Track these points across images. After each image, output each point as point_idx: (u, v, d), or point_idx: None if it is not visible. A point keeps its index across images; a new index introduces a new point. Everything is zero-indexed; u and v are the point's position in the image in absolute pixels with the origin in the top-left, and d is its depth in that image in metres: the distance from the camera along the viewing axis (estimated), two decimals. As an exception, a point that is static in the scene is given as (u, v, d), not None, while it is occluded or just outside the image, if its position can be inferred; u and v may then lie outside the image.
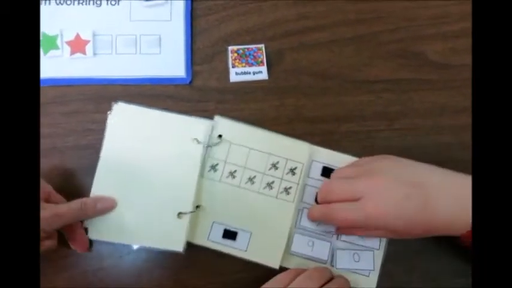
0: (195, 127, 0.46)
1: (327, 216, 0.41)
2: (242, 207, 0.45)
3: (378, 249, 0.44)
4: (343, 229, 0.43)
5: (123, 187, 0.44)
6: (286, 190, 0.45)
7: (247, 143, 0.46)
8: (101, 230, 0.43)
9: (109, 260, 0.44)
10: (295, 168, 0.46)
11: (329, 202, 0.41)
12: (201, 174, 0.45)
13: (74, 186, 0.45)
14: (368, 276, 0.44)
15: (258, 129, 0.47)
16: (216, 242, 0.44)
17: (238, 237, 0.44)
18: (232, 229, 0.44)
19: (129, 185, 0.44)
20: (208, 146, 0.45)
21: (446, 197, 0.38)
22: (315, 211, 0.43)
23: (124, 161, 0.45)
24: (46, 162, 0.45)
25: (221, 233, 0.44)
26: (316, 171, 0.46)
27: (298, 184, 0.45)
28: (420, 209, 0.38)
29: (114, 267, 0.44)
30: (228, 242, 0.44)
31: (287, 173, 0.45)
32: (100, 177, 0.45)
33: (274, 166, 0.46)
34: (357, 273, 0.44)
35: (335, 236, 0.44)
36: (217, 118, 0.47)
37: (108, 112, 0.46)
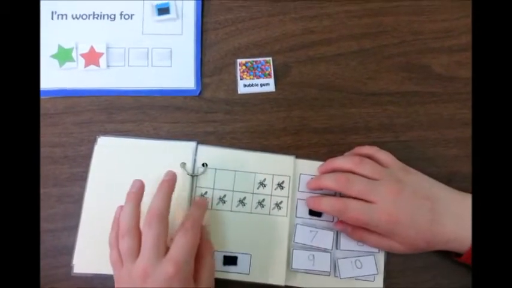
0: (180, 151, 0.47)
1: (339, 211, 0.41)
2: (237, 230, 0.45)
3: (377, 252, 0.44)
4: (356, 232, 0.43)
5: (112, 219, 0.43)
6: (278, 205, 0.45)
7: (231, 167, 0.46)
8: (91, 263, 0.43)
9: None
10: (283, 182, 0.46)
11: (344, 193, 0.42)
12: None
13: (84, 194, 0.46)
14: (373, 281, 0.44)
15: (240, 151, 0.47)
16: (217, 271, 0.43)
17: (239, 261, 0.44)
18: (231, 254, 0.44)
19: None
20: (195, 175, 0.46)
21: (450, 214, 0.40)
22: (324, 202, 0.42)
23: (111, 194, 0.44)
24: (58, 170, 0.47)
25: (221, 260, 0.44)
26: (306, 184, 0.46)
27: (288, 197, 0.46)
28: (428, 221, 0.39)
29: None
30: (230, 268, 0.44)
31: (275, 188, 0.46)
32: (87, 213, 0.45)
33: (262, 184, 0.46)
34: (362, 279, 0.44)
35: (334, 246, 0.44)
36: (200, 147, 0.47)
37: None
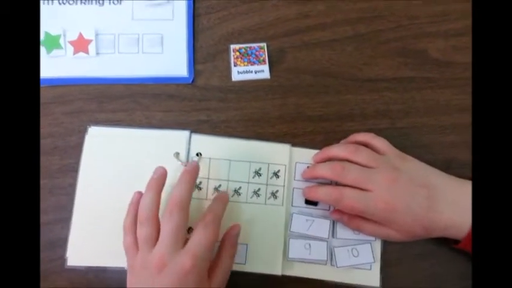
0: (173, 140, 0.46)
1: (335, 199, 0.41)
2: (233, 220, 0.44)
3: (374, 240, 0.44)
4: (352, 221, 0.43)
5: (105, 211, 0.44)
6: (274, 194, 0.45)
7: (226, 156, 0.46)
8: (85, 256, 0.43)
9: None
10: (278, 171, 0.45)
11: (340, 181, 0.41)
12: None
13: (76, 185, 0.45)
14: (370, 269, 0.44)
15: (234, 139, 0.46)
16: None
17: None
18: None
19: (112, 209, 0.43)
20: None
21: (448, 201, 0.40)
22: (320, 191, 0.42)
23: (103, 185, 0.44)
24: (48, 162, 0.46)
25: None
26: (301, 174, 0.46)
27: (284, 186, 0.45)
28: (425, 208, 0.39)
29: (114, 270, 0.43)
30: None
31: (271, 177, 0.45)
32: (80, 205, 0.44)
33: (257, 173, 0.45)
34: (359, 268, 0.43)
35: (331, 235, 0.44)
36: (194, 136, 0.46)
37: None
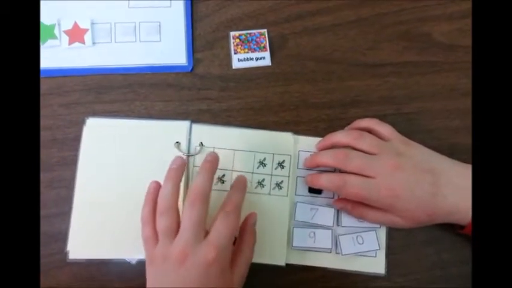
0: (173, 131, 0.45)
1: (338, 187, 0.40)
2: None
3: (379, 228, 0.44)
4: (356, 209, 0.42)
5: (105, 203, 0.43)
6: (278, 185, 0.44)
7: (230, 146, 0.45)
8: (86, 249, 0.42)
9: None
10: (283, 161, 0.45)
11: (343, 169, 0.40)
12: (189, 186, 0.43)
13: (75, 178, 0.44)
14: (375, 256, 0.43)
15: (236, 128, 0.46)
16: None
17: None
18: None
19: (112, 200, 0.43)
20: (191, 155, 0.44)
21: (452, 186, 0.39)
22: (323, 178, 0.41)
23: (103, 177, 0.44)
24: (47, 155, 0.45)
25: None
26: (303, 162, 0.45)
27: (288, 177, 0.44)
28: (429, 194, 0.39)
29: (116, 262, 0.43)
30: None
31: (276, 168, 0.45)
32: (80, 198, 0.43)
33: (262, 163, 0.45)
34: (364, 255, 0.43)
35: (335, 223, 0.44)
36: (195, 126, 0.45)
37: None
